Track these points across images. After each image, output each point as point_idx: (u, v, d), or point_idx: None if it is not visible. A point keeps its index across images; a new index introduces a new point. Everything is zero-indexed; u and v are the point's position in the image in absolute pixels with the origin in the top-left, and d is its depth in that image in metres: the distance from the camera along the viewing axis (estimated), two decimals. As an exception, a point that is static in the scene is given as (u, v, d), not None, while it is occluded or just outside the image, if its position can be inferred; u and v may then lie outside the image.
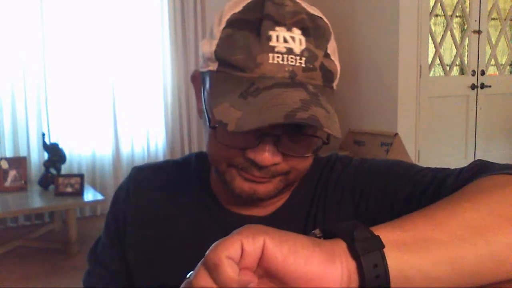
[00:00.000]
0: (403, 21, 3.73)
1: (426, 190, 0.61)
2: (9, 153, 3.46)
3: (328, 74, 0.63)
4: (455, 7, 4.15)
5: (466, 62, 4.27)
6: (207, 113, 0.64)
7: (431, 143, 4.04)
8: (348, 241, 0.39)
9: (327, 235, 0.41)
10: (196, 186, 0.77)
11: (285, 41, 0.59)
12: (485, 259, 0.41)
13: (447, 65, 4.19)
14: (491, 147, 4.43)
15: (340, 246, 0.39)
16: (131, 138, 3.86)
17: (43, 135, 3.39)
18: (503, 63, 4.62)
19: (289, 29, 0.60)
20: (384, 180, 0.67)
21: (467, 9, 4.22)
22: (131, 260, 0.78)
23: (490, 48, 4.43)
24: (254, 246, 0.37)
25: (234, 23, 0.61)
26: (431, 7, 3.98)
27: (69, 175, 3.21)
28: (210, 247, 0.38)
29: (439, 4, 4.05)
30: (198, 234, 0.74)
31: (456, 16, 4.20)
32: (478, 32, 4.26)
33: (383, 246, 0.39)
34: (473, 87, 4.26)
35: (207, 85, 0.64)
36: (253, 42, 0.59)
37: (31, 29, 3.45)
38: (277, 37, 0.59)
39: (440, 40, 4.12)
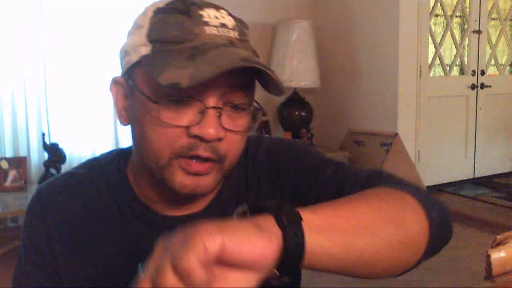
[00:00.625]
0: (403, 21, 3.73)
1: (330, 186, 0.70)
2: (9, 153, 3.46)
3: (255, 52, 0.67)
4: (455, 7, 4.15)
5: (466, 62, 4.27)
6: (144, 95, 0.63)
7: (431, 143, 4.04)
8: (276, 214, 0.45)
9: (253, 210, 0.47)
10: (119, 195, 0.73)
11: (216, 18, 0.63)
12: (367, 247, 0.51)
13: (447, 65, 4.19)
14: (491, 147, 4.43)
15: (269, 220, 0.45)
16: (131, 138, 3.86)
17: (43, 135, 3.39)
18: (503, 63, 4.62)
19: (217, 10, 0.64)
20: (301, 172, 0.74)
21: (467, 9, 4.22)
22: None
23: (490, 48, 4.43)
24: (215, 246, 0.39)
25: (162, 10, 0.64)
26: (431, 7, 3.98)
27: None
28: (172, 247, 0.40)
29: (439, 4, 4.05)
30: (136, 246, 0.71)
31: (456, 16, 4.20)
32: (478, 32, 4.26)
33: (301, 219, 0.45)
34: (473, 87, 4.26)
35: (140, 73, 0.64)
36: (186, 20, 0.61)
37: (31, 29, 3.45)
38: (208, 15, 0.62)
39: (440, 40, 4.12)
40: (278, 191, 0.74)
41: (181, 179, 0.63)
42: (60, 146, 3.35)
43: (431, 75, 4.10)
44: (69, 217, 0.73)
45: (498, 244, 0.75)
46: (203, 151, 0.61)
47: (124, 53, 0.67)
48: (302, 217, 0.46)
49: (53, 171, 3.28)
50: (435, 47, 4.07)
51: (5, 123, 3.46)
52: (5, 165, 3.23)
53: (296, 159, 0.75)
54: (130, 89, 0.66)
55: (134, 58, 0.64)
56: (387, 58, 3.82)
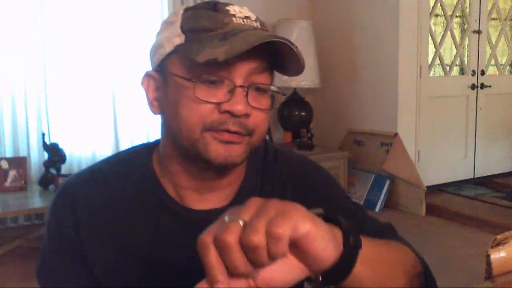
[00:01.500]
0: (403, 21, 3.73)
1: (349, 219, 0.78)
2: (9, 153, 3.46)
3: None
4: (455, 7, 4.15)
5: (466, 62, 4.27)
6: (180, 77, 0.69)
7: (431, 143, 4.03)
8: (346, 233, 0.51)
9: (325, 217, 0.52)
10: (145, 188, 0.77)
11: (240, 12, 0.71)
12: (391, 278, 0.61)
13: (447, 65, 4.19)
14: (491, 147, 4.43)
15: (339, 234, 0.50)
16: (131, 139, 3.86)
17: (43, 135, 3.39)
18: (503, 63, 4.62)
19: (240, 7, 0.72)
20: (328, 198, 0.82)
21: (467, 9, 4.22)
22: (99, 277, 0.77)
23: (490, 48, 4.43)
24: (304, 228, 0.44)
25: (191, 8, 0.72)
26: (431, 7, 3.98)
27: (69, 175, 3.21)
28: (269, 213, 0.44)
29: (439, 4, 4.05)
30: (161, 237, 0.75)
31: (456, 16, 4.20)
32: (478, 32, 4.26)
33: (361, 247, 0.52)
34: (473, 87, 4.26)
35: (175, 60, 0.70)
36: (214, 14, 0.69)
37: (31, 29, 3.45)
38: (234, 10, 0.70)
39: (440, 40, 4.12)
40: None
41: (215, 148, 0.69)
42: (60, 146, 3.35)
43: (431, 75, 4.10)
44: (97, 208, 0.77)
45: (498, 244, 0.75)
46: (232, 125, 0.68)
47: (157, 47, 0.73)
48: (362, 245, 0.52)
49: (53, 171, 3.28)
50: (435, 47, 4.07)
51: (5, 123, 3.46)
52: (5, 165, 3.23)
53: (327, 187, 0.85)
54: (163, 80, 0.73)
55: (168, 49, 0.70)
56: (387, 58, 3.82)
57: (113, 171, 0.80)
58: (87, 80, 3.67)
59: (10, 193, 3.15)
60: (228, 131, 0.68)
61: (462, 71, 4.33)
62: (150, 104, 0.76)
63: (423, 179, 3.73)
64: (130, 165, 0.80)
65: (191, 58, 0.66)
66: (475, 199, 3.88)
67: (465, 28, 4.25)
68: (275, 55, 0.70)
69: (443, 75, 4.19)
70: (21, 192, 3.18)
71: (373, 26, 3.92)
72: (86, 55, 3.64)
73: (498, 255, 0.73)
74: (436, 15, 4.12)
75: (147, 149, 0.82)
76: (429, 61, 4.03)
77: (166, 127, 0.75)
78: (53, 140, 3.48)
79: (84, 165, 3.74)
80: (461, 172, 4.28)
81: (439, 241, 3.18)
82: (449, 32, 4.15)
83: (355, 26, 4.08)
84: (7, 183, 3.22)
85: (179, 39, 0.69)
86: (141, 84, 0.76)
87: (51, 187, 3.21)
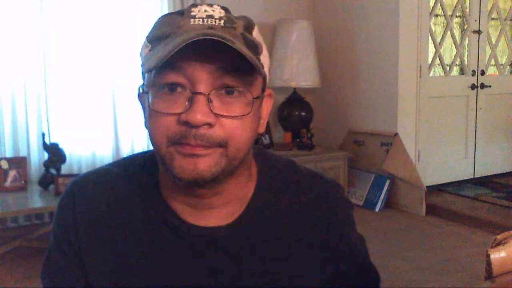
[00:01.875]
0: (403, 21, 3.73)
1: None
2: (9, 153, 3.46)
3: (250, 42, 0.65)
4: (455, 7, 4.15)
5: (466, 62, 4.27)
6: (141, 89, 0.69)
7: (431, 143, 4.04)
8: None
9: None
10: (148, 198, 0.74)
11: (205, 11, 0.65)
12: None
13: (447, 65, 4.19)
14: (491, 147, 4.43)
15: None
16: (131, 138, 3.86)
17: (43, 135, 3.39)
18: (503, 63, 4.62)
19: (210, 5, 0.66)
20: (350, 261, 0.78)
21: (467, 9, 4.23)
22: (93, 284, 0.74)
23: (490, 48, 4.43)
24: None
25: (165, 15, 0.69)
26: (431, 7, 3.98)
27: (69, 175, 3.20)
28: None
29: (439, 4, 4.05)
30: (160, 250, 0.72)
31: (456, 16, 4.20)
32: (478, 32, 4.26)
33: None
34: (473, 87, 4.26)
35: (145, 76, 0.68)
36: (176, 18, 0.65)
37: (30, 29, 3.45)
38: (198, 10, 0.65)
39: (440, 40, 4.12)
40: (319, 255, 0.75)
41: (179, 163, 0.63)
42: (60, 146, 3.35)
43: (431, 75, 4.09)
44: (98, 213, 0.74)
45: (498, 244, 0.75)
46: (192, 139, 0.62)
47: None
48: None
49: (53, 171, 3.28)
50: (435, 47, 4.07)
51: (5, 123, 3.46)
52: (5, 165, 3.23)
53: (357, 244, 0.80)
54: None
55: (140, 61, 0.69)
56: (387, 58, 3.82)
57: (120, 175, 0.76)
58: (87, 80, 3.67)
59: (10, 193, 3.15)
60: (190, 145, 0.62)
61: (462, 71, 4.33)
62: (144, 120, 0.73)
63: (423, 179, 3.74)
64: (138, 171, 0.76)
65: (141, 69, 0.66)
66: (475, 199, 3.88)
67: (465, 28, 4.25)
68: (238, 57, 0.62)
69: (443, 75, 4.19)
70: (21, 192, 3.18)
71: (373, 26, 3.92)
72: (86, 55, 3.64)
73: (498, 255, 0.73)
74: (436, 15, 4.12)
75: (154, 157, 0.77)
76: (429, 61, 4.03)
77: None
78: (53, 140, 3.47)
79: (84, 165, 3.74)
80: (461, 172, 4.28)
81: (439, 241, 3.18)
82: (449, 32, 4.15)
83: (355, 26, 4.08)
84: (7, 183, 3.22)
85: (146, 50, 0.67)
86: (138, 99, 0.74)
87: (51, 187, 3.21)
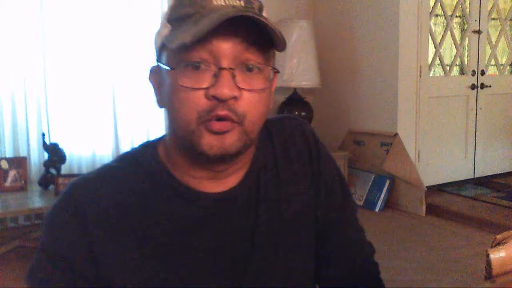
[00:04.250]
0: (403, 21, 3.73)
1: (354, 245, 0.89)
2: (9, 153, 3.46)
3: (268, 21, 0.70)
4: (455, 7, 4.15)
5: (466, 62, 4.27)
6: (165, 66, 0.69)
7: (431, 143, 4.04)
8: None
9: None
10: (156, 178, 0.74)
11: None
12: None
13: (447, 65, 4.19)
14: (491, 147, 4.43)
15: None
16: (131, 138, 3.86)
17: (43, 135, 3.39)
18: (503, 63, 4.62)
19: None
20: (340, 207, 0.87)
21: (467, 9, 4.23)
22: (116, 277, 0.70)
23: (490, 48, 4.43)
24: None
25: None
26: (431, 7, 3.98)
27: (69, 175, 3.20)
28: None
29: (439, 4, 4.05)
30: (178, 223, 0.73)
31: (456, 16, 4.20)
32: (478, 32, 4.26)
33: None
34: (473, 87, 4.26)
35: (164, 52, 0.70)
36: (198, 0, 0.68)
37: (31, 29, 3.45)
38: None
39: (440, 40, 4.12)
40: (311, 184, 0.83)
41: (208, 140, 0.67)
42: (60, 146, 3.35)
43: (431, 75, 4.10)
44: (107, 207, 0.72)
45: (498, 244, 0.75)
46: (220, 110, 0.65)
47: (154, 43, 0.73)
48: None
49: (53, 171, 3.28)
50: (435, 47, 4.07)
51: (5, 123, 3.46)
52: (5, 165, 3.23)
53: (335, 167, 0.88)
54: (160, 73, 0.72)
55: (159, 42, 0.71)
56: (387, 58, 3.82)
57: (120, 168, 0.76)
58: (87, 79, 3.67)
59: (10, 193, 3.15)
60: (218, 117, 0.66)
61: (462, 71, 4.33)
62: (156, 98, 0.76)
63: (423, 179, 3.74)
64: (137, 162, 0.77)
65: (166, 46, 0.67)
66: (475, 199, 3.88)
67: (465, 28, 4.25)
68: (262, 32, 0.67)
69: (443, 75, 4.19)
70: (21, 192, 3.18)
71: (373, 26, 3.92)
72: (86, 55, 3.64)
73: (498, 255, 0.73)
74: (436, 15, 4.12)
75: (151, 145, 0.79)
76: (429, 61, 4.03)
77: (168, 121, 0.74)
78: (53, 140, 3.48)
79: (84, 165, 3.74)
80: (461, 172, 4.28)
81: (439, 241, 3.18)
82: (449, 32, 4.15)
83: (355, 26, 4.08)
84: (7, 183, 3.22)
85: (166, 31, 0.69)
86: (149, 80, 0.76)
87: (51, 187, 3.21)
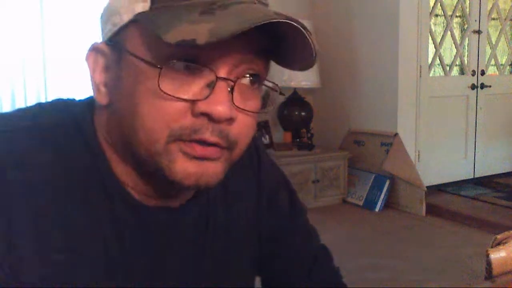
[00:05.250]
0: (403, 21, 3.73)
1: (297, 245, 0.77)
2: (9, 153, 3.47)
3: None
4: (455, 7, 4.15)
5: (466, 62, 4.27)
6: (140, 60, 0.50)
7: (431, 143, 4.04)
8: None
9: None
10: (94, 175, 0.56)
11: None
12: None
13: (447, 65, 4.19)
14: (491, 147, 4.43)
15: None
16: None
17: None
18: (503, 63, 4.62)
19: None
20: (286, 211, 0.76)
21: (467, 9, 4.23)
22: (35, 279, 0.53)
23: (490, 48, 4.43)
24: None
25: None
26: (431, 7, 3.98)
27: None
28: None
29: (439, 4, 4.05)
30: (123, 233, 0.57)
31: (456, 16, 4.21)
32: (478, 32, 4.26)
33: None
34: (473, 87, 4.26)
35: (135, 34, 0.51)
36: None
37: (31, 29, 3.45)
38: None
39: (440, 40, 4.12)
40: (255, 197, 0.72)
41: (184, 166, 0.50)
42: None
43: (431, 75, 4.10)
44: (28, 199, 0.53)
45: (498, 244, 0.75)
46: (210, 134, 0.49)
47: (109, 14, 0.53)
48: None
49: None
50: (435, 47, 4.08)
51: (5, 123, 3.46)
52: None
53: (290, 205, 0.77)
54: (116, 58, 0.53)
55: (126, 17, 0.51)
56: (387, 58, 3.82)
57: (37, 146, 0.55)
58: (87, 79, 3.67)
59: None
60: (204, 142, 0.50)
61: (462, 71, 4.33)
62: (96, 89, 0.57)
63: (423, 179, 3.73)
64: (63, 137, 0.56)
65: (158, 35, 0.46)
66: (475, 199, 3.88)
67: (465, 28, 4.25)
68: (275, 39, 0.51)
69: (443, 75, 4.19)
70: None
71: (373, 26, 3.92)
72: (86, 45, 3.64)
73: (498, 255, 0.73)
74: (436, 15, 4.12)
75: (83, 112, 0.60)
76: (429, 61, 4.03)
77: (117, 121, 0.54)
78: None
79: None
80: (461, 172, 4.28)
81: (439, 241, 3.18)
82: (449, 32, 4.15)
83: (355, 26, 4.08)
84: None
85: (142, 6, 0.50)
86: (86, 60, 0.57)
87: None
